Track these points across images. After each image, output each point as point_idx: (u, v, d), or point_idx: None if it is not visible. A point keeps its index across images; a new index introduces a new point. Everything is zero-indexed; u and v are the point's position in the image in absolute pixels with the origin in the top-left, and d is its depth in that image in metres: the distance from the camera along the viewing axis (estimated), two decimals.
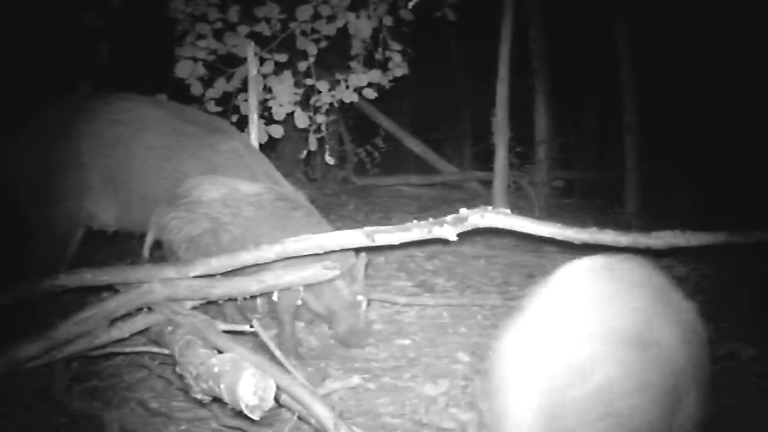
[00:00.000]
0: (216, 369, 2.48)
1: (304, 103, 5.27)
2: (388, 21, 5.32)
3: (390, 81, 5.50)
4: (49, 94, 4.18)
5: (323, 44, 5.21)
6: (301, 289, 3.47)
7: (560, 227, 2.84)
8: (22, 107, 4.05)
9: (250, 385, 2.33)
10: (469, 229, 3.07)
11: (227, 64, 5.12)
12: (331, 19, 5.11)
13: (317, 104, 5.33)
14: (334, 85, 5.37)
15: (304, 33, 5.13)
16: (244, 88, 4.98)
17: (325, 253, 3.13)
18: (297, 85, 5.19)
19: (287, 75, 5.11)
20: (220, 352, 2.66)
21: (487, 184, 6.75)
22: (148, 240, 3.54)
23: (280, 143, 6.53)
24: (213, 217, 3.39)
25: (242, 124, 4.82)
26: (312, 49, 5.13)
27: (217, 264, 3.10)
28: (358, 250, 3.48)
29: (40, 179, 3.79)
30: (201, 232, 3.38)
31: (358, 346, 3.61)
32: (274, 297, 3.48)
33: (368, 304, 3.71)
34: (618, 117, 6.74)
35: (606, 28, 6.94)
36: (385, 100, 6.46)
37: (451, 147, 9.72)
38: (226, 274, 3.15)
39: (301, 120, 5.07)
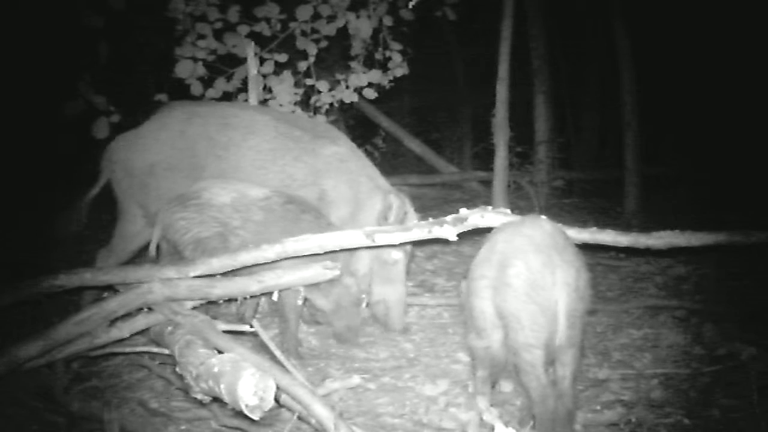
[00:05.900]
0: (216, 369, 2.48)
1: (304, 103, 5.28)
2: (388, 21, 5.31)
3: (390, 81, 5.50)
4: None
5: (323, 44, 5.22)
6: (302, 289, 3.49)
7: None
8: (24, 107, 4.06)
9: (250, 385, 2.34)
10: (469, 229, 3.08)
11: (227, 64, 5.12)
12: (331, 19, 5.11)
13: (317, 104, 5.33)
14: (334, 85, 5.37)
15: (304, 33, 5.13)
16: (244, 88, 4.98)
17: (325, 253, 3.14)
18: (297, 85, 5.19)
19: (287, 75, 5.11)
20: (220, 352, 2.67)
21: (487, 184, 6.74)
22: (154, 238, 3.53)
23: None
24: (223, 222, 3.40)
25: None
26: (312, 49, 5.14)
27: (217, 264, 3.10)
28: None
29: (159, 178, 3.85)
30: (210, 235, 3.39)
31: (353, 342, 3.70)
32: (274, 297, 3.49)
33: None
34: (618, 116, 6.74)
35: (606, 27, 6.94)
36: (385, 100, 6.45)
37: (451, 147, 9.71)
38: (226, 274, 3.16)
39: None
